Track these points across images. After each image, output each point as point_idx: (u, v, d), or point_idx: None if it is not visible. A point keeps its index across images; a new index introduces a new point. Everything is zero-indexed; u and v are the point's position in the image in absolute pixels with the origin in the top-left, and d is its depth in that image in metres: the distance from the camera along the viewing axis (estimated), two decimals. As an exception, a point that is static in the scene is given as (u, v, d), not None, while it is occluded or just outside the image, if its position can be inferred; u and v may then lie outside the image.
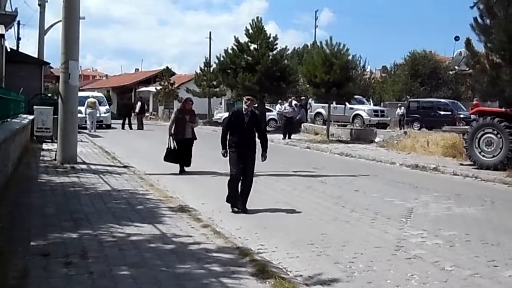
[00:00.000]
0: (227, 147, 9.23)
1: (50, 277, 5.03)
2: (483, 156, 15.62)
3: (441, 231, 7.95)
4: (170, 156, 13.42)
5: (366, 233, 7.79)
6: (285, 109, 28.41)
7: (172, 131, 13.41)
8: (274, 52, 32.49)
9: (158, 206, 8.73)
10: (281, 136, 26.99)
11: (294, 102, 29.28)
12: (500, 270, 6.16)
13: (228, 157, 9.24)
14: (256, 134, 9.28)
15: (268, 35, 32.74)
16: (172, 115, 14.20)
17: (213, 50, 48.05)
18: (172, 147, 13.37)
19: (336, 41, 25.72)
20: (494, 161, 15.23)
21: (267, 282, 5.10)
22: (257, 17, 33.27)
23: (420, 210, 9.65)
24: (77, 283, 4.88)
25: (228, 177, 9.22)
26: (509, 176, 13.74)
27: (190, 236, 6.77)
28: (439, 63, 43.74)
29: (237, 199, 9.11)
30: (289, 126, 27.77)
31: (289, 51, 36.70)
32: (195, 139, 13.63)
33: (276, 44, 32.82)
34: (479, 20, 13.75)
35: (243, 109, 9.22)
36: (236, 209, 9.01)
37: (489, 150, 15.47)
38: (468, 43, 14.55)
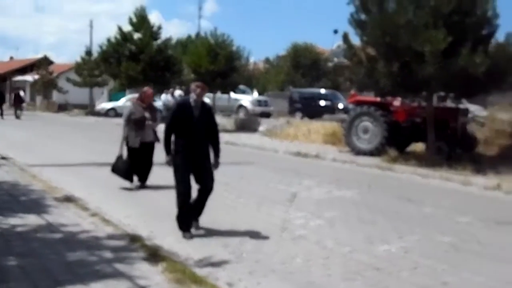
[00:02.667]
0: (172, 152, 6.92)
1: None
2: (360, 143, 16.49)
3: (323, 213, 8.41)
4: (120, 168, 9.96)
5: (253, 217, 8.07)
6: (168, 100, 28.28)
7: (125, 133, 9.98)
8: (158, 41, 32.25)
9: (43, 196, 8.50)
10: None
11: (178, 92, 29.19)
12: (376, 246, 6.66)
13: (173, 167, 6.93)
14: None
15: (152, 24, 32.43)
16: (126, 111, 10.30)
17: (94, 38, 46.68)
18: (124, 155, 10.01)
19: (221, 32, 26.10)
20: (370, 147, 16.12)
21: (160, 265, 5.21)
22: (141, 6, 32.89)
23: (303, 194, 10.09)
24: (-39, 275, 4.73)
25: (176, 195, 6.93)
26: (384, 162, 14.63)
27: (79, 225, 6.72)
28: (319, 55, 45.59)
29: (190, 221, 7.00)
30: None
31: (173, 41, 36.57)
32: (158, 141, 9.73)
33: (160, 33, 32.63)
34: (355, 15, 14.41)
35: (191, 100, 6.88)
36: (188, 235, 6.81)
37: (366, 137, 16.35)
38: (345, 37, 15.16)
